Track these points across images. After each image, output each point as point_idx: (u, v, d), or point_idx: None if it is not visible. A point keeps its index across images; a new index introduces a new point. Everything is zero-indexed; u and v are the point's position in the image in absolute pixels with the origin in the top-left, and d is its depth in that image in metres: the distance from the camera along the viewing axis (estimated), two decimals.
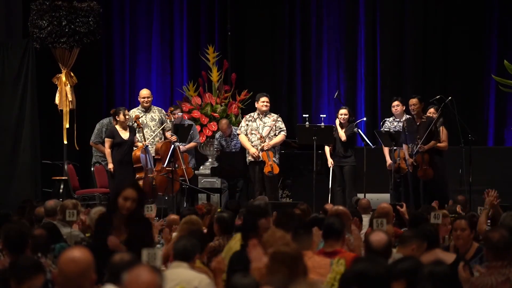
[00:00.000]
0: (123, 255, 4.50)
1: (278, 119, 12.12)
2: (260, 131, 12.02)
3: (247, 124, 12.15)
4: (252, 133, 12.07)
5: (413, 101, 11.79)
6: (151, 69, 15.59)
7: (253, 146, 12.01)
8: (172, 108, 12.56)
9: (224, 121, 12.99)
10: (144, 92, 12.55)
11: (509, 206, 9.72)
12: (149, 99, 12.45)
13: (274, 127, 12.02)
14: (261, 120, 12.09)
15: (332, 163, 12.14)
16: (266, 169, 11.86)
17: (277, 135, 12.07)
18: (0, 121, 13.77)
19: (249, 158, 12.05)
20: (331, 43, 15.46)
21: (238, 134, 12.27)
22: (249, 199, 11.39)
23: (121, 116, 11.67)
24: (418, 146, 11.51)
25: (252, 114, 12.28)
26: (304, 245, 5.55)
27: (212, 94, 13.90)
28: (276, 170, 11.90)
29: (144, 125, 12.19)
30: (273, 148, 12.05)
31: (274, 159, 11.97)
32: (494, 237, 5.18)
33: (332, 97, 14.35)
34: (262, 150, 11.92)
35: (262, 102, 12.11)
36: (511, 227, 6.00)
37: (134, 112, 12.34)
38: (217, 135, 13.09)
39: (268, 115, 12.12)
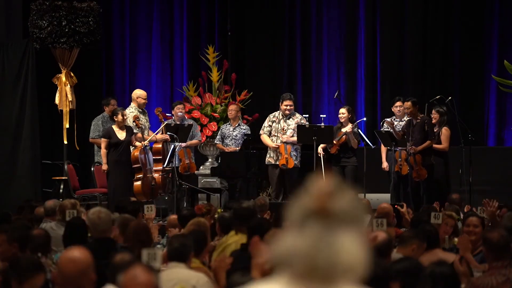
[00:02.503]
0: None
1: (302, 121, 12.08)
2: (285, 131, 12.01)
3: (270, 125, 12.14)
4: (275, 135, 12.07)
5: (407, 104, 11.91)
6: (151, 69, 15.59)
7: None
8: (161, 109, 12.55)
9: (234, 106, 12.96)
10: (143, 93, 12.58)
11: (510, 206, 9.71)
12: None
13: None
14: (285, 122, 12.08)
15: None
16: (281, 162, 11.89)
17: None
18: (0, 121, 13.77)
19: (268, 159, 12.08)
20: (331, 43, 15.46)
21: (260, 134, 12.24)
22: (249, 199, 11.38)
23: (119, 117, 11.69)
24: (409, 147, 11.59)
25: (275, 114, 12.20)
26: None
27: (212, 94, 13.89)
28: (291, 164, 11.90)
29: (145, 127, 12.27)
30: (294, 145, 12.02)
31: (294, 153, 11.95)
32: (494, 237, 5.18)
33: (332, 97, 14.35)
34: (281, 142, 11.95)
35: (285, 106, 12.07)
36: (509, 227, 6.01)
37: (133, 112, 12.35)
38: (222, 125, 13.06)
39: (292, 117, 12.11)
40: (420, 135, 11.76)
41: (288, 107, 12.07)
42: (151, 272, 3.63)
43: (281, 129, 12.03)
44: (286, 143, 11.94)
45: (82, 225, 6.49)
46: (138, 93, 12.57)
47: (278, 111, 12.24)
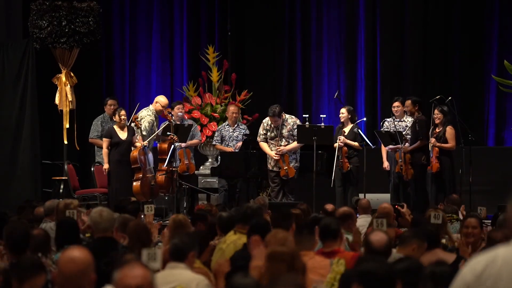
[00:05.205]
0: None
1: (294, 126, 12.03)
2: (280, 142, 11.99)
3: (265, 133, 12.12)
4: (271, 143, 12.05)
5: (407, 103, 12.11)
6: (151, 69, 15.59)
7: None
8: (137, 116, 12.27)
9: (232, 108, 12.91)
10: (162, 100, 12.40)
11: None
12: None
13: (291, 136, 11.99)
14: (277, 130, 12.05)
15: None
16: (282, 173, 11.93)
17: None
18: (0, 121, 13.77)
19: (269, 167, 12.09)
20: (331, 43, 15.46)
21: (258, 142, 12.21)
22: (249, 199, 11.40)
23: (117, 117, 11.74)
24: (401, 147, 11.70)
25: (268, 122, 12.11)
26: (306, 245, 5.56)
27: (212, 94, 13.89)
28: (291, 174, 11.93)
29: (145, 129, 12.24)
30: (292, 152, 12.03)
31: (292, 156, 11.96)
32: (497, 237, 5.19)
33: (332, 97, 14.35)
34: (276, 153, 11.95)
35: (272, 121, 12.00)
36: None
37: (149, 115, 12.24)
38: (219, 127, 13.01)
39: (284, 123, 12.05)
40: (413, 135, 11.88)
41: (273, 122, 12.02)
42: (146, 268, 3.65)
43: (275, 139, 12.00)
44: (282, 154, 11.93)
45: (73, 225, 6.50)
46: (161, 102, 12.37)
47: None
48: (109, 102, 12.77)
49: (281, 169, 11.95)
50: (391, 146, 12.00)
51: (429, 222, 6.99)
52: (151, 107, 12.50)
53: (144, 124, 12.20)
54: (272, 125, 12.04)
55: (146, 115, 12.35)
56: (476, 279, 2.84)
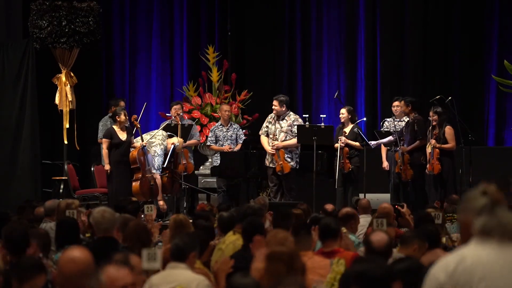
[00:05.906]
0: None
1: (294, 123, 12.02)
2: (277, 136, 12.00)
3: (267, 126, 12.13)
4: (270, 137, 12.07)
5: (401, 103, 12.01)
6: (151, 69, 15.58)
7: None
8: (136, 116, 12.06)
9: (226, 107, 12.89)
10: (180, 148, 12.14)
11: (509, 206, 9.70)
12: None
13: (290, 131, 11.99)
14: (278, 123, 12.06)
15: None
16: (277, 168, 11.93)
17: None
18: (0, 121, 13.76)
19: (265, 161, 12.08)
20: (331, 43, 15.47)
21: (259, 135, 12.22)
22: (249, 199, 11.40)
23: (122, 117, 11.66)
24: (399, 147, 11.70)
25: (272, 115, 12.14)
26: (305, 245, 5.56)
27: (212, 94, 13.89)
28: (286, 169, 11.90)
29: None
30: (288, 148, 12.01)
31: (288, 155, 11.94)
32: None
33: (332, 97, 14.35)
34: (272, 147, 11.97)
35: (272, 105, 12.04)
36: None
37: (159, 154, 12.08)
38: (212, 127, 12.97)
39: (286, 118, 12.05)
40: (411, 135, 11.87)
41: (273, 106, 12.03)
42: (125, 266, 3.68)
43: (273, 132, 12.00)
44: (278, 148, 11.91)
45: (73, 225, 6.50)
46: (178, 142, 11.98)
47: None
48: (121, 103, 12.70)
49: (277, 164, 11.93)
50: (390, 138, 12.02)
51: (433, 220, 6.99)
52: (165, 143, 12.13)
53: (153, 154, 11.99)
54: (273, 113, 12.01)
55: (158, 154, 12.02)
56: (450, 278, 3.02)
